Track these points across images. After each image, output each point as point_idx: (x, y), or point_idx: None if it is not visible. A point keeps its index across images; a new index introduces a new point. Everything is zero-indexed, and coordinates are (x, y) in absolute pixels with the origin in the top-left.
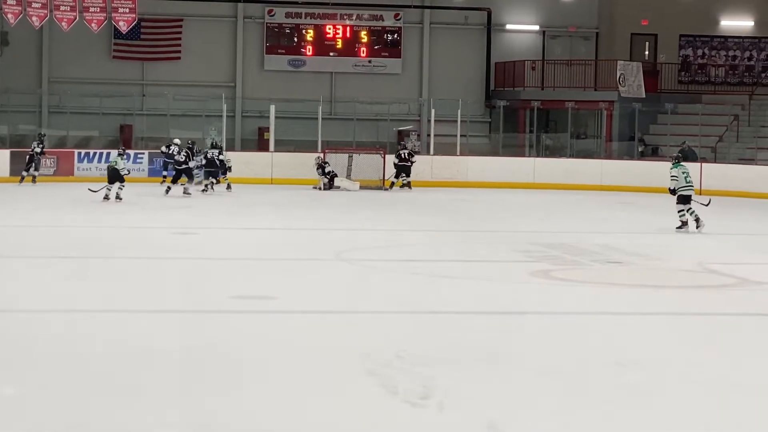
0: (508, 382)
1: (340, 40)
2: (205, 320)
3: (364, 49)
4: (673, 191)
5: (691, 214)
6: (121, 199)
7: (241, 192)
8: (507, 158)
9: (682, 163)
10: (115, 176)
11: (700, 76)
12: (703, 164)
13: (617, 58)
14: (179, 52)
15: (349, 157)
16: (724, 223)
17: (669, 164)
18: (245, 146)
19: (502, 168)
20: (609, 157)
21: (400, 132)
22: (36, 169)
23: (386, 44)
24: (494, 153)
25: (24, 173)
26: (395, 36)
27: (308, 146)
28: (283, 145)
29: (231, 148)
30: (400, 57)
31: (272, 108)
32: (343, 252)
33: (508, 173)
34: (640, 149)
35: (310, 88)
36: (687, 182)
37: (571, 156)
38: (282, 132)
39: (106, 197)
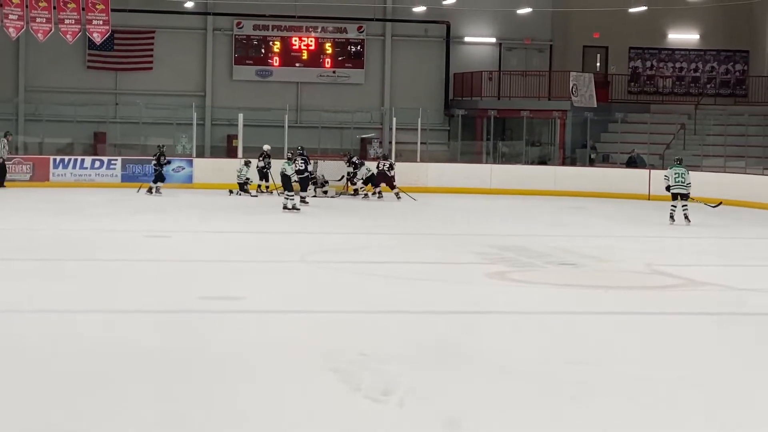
0: (467, 380)
1: (305, 52)
2: (176, 320)
3: (329, 60)
4: (668, 189)
5: (684, 209)
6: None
7: (211, 197)
8: (465, 164)
9: (678, 165)
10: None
11: (648, 87)
12: (651, 171)
13: (570, 70)
14: (151, 62)
15: (314, 163)
16: (672, 227)
17: (620, 170)
18: (215, 153)
19: (461, 174)
20: (562, 163)
21: (363, 139)
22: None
23: (350, 55)
24: (453, 159)
25: None
26: (358, 47)
27: (275, 153)
28: (251, 152)
29: (201, 154)
30: (363, 68)
31: (240, 116)
32: (308, 254)
33: (466, 179)
34: (591, 156)
35: (277, 97)
36: (676, 182)
37: (526, 162)
38: (250, 139)
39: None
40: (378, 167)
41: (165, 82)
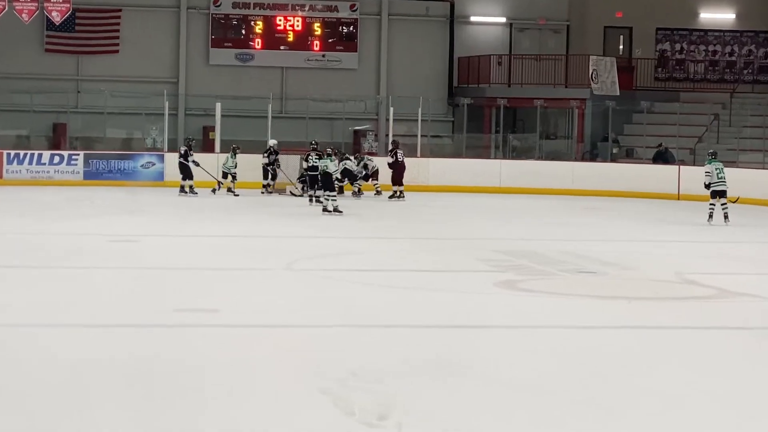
0: (471, 402)
1: (291, 33)
2: (145, 335)
3: (318, 42)
4: (707, 186)
5: (724, 209)
6: (196, 193)
7: (185, 197)
8: (471, 160)
9: (716, 160)
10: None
11: (678, 73)
12: (681, 167)
13: (589, 53)
14: (117, 45)
15: (301, 158)
16: (704, 230)
17: (646, 166)
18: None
19: (466, 170)
20: (580, 159)
21: (356, 132)
22: None
23: (341, 37)
24: (457, 154)
25: None
26: (351, 28)
27: (257, 147)
28: (230, 146)
29: (173, 148)
30: (356, 51)
31: (218, 106)
32: (293, 261)
33: (472, 176)
34: (613, 150)
35: (258, 84)
36: (719, 178)
37: (540, 158)
38: (229, 132)
39: (184, 190)
40: (395, 158)
41: (133, 67)
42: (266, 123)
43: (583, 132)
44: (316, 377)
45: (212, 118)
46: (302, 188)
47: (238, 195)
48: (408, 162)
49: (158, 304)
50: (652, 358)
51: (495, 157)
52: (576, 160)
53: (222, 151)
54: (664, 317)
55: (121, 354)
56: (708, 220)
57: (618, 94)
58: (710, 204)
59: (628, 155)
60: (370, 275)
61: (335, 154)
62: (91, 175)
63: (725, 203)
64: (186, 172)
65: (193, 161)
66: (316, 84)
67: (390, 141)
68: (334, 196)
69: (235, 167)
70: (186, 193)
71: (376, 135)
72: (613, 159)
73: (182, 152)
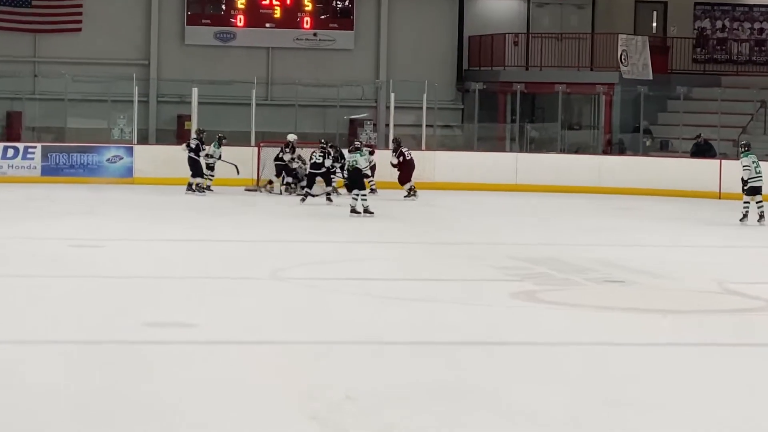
0: (482, 429)
1: (278, 9)
2: (110, 353)
3: (308, 19)
4: (745, 182)
5: (760, 208)
6: (204, 191)
7: (157, 195)
8: (483, 153)
9: (751, 152)
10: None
11: (719, 54)
12: (722, 161)
13: (618, 32)
14: (80, 22)
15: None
16: (750, 234)
17: (682, 160)
18: (161, 138)
19: (478, 165)
20: (608, 152)
21: (352, 121)
22: None
23: (335, 14)
24: (468, 147)
25: None
26: (346, 3)
27: (239, 138)
28: (208, 137)
29: (144, 140)
30: (352, 29)
31: (195, 91)
32: (281, 269)
33: (484, 172)
34: (646, 142)
35: (241, 67)
36: (757, 173)
37: (562, 151)
38: (207, 120)
39: (192, 188)
40: (401, 158)
41: (97, 48)
42: (249, 111)
43: (610, 121)
44: (306, 401)
45: (188, 106)
46: (287, 185)
47: (204, 193)
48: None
49: (125, 318)
50: (692, 382)
51: (510, 150)
52: (603, 153)
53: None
54: (705, 333)
55: (80, 376)
56: (741, 221)
57: (651, 78)
58: (745, 202)
59: (663, 148)
60: (367, 285)
61: (332, 149)
62: (50, 171)
63: (761, 201)
64: (196, 169)
65: (219, 157)
66: (306, 67)
67: (391, 139)
68: (365, 194)
69: (219, 158)
70: (194, 191)
71: (374, 125)
72: (645, 152)
73: (193, 146)
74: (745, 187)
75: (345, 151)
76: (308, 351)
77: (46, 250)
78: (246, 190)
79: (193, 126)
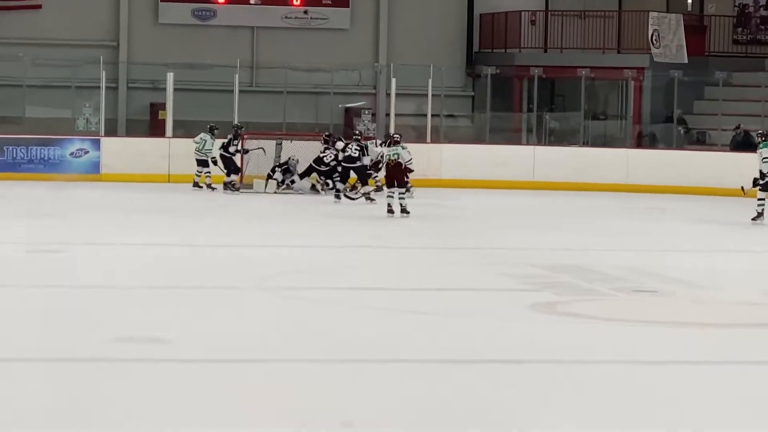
0: None
1: None
2: (71, 373)
3: None
4: (763, 176)
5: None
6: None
7: (127, 193)
8: (496, 147)
9: None
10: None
11: (762, 34)
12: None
13: (649, 9)
14: None
15: (277, 144)
16: None
17: (722, 154)
18: (132, 130)
19: (490, 160)
20: (637, 145)
21: (348, 110)
22: None
23: None
24: (479, 139)
25: None
26: None
27: (220, 129)
28: (184, 128)
29: (112, 132)
30: (347, 6)
31: (170, 76)
32: (268, 278)
33: (497, 167)
34: (680, 134)
35: (222, 49)
36: None
37: (585, 144)
38: (184, 110)
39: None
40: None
41: (60, 28)
42: (232, 99)
43: (640, 110)
44: (298, 428)
45: (162, 93)
46: (276, 183)
47: (214, 188)
48: (414, 149)
49: (91, 332)
50: (736, 406)
51: (527, 143)
52: (632, 146)
53: (175, 135)
54: (750, 351)
55: (37, 399)
56: (754, 220)
57: (686, 61)
58: (759, 199)
59: (699, 140)
60: (366, 296)
61: (334, 139)
62: (7, 167)
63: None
64: (229, 165)
65: (243, 149)
66: (296, 49)
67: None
68: (403, 192)
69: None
70: (231, 190)
71: (373, 114)
72: (680, 145)
73: (225, 142)
74: (762, 182)
75: (370, 144)
76: (299, 370)
77: (2, 256)
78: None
79: (168, 116)
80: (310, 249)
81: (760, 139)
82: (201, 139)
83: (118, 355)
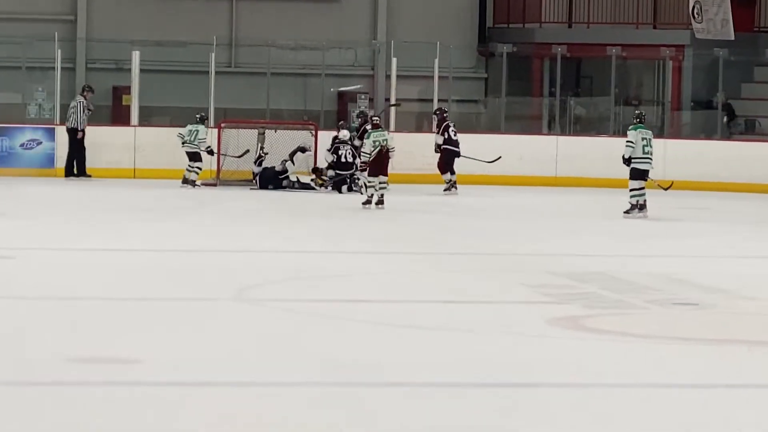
0: None
1: None
2: (22, 397)
3: None
4: (626, 161)
5: (640, 196)
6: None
7: (86, 190)
8: (514, 136)
9: (643, 126)
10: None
11: None
12: None
13: None
14: None
15: (259, 134)
16: None
17: None
18: (92, 117)
19: (506, 152)
20: (676, 135)
21: (341, 94)
22: None
23: None
24: (493, 128)
25: None
26: None
27: (193, 116)
28: (152, 115)
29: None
30: None
31: (136, 55)
32: (249, 288)
33: (515, 160)
34: (726, 121)
35: (196, 24)
36: (645, 152)
37: (616, 133)
38: (152, 95)
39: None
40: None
41: (9, 1)
42: (207, 81)
43: (680, 94)
44: None
45: (127, 75)
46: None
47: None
48: (418, 140)
49: (47, 350)
50: None
51: (549, 133)
52: (670, 136)
53: (141, 124)
54: None
55: None
56: (630, 211)
57: (732, 38)
58: (631, 189)
59: (748, 129)
60: (361, 308)
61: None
62: None
63: (643, 188)
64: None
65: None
66: (281, 24)
67: (435, 109)
68: (383, 182)
69: (203, 140)
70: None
71: (371, 99)
72: (724, 135)
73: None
74: (629, 169)
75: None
76: (285, 394)
77: None
78: (203, 184)
79: (134, 101)
80: (298, 254)
81: (634, 122)
82: (190, 130)
83: (75, 377)
